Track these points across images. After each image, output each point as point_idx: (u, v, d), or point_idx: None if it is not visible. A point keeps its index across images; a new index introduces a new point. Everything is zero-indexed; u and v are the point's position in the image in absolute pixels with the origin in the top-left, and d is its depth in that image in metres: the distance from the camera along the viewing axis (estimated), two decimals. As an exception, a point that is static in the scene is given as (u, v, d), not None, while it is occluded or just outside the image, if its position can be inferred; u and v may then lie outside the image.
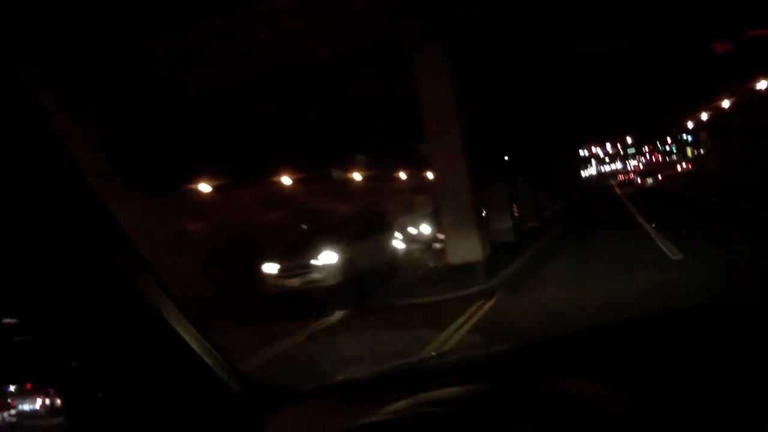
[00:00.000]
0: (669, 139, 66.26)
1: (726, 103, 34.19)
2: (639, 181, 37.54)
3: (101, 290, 1.10)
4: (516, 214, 17.54)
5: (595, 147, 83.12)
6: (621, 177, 68.22)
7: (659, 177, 36.13)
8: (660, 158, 74.07)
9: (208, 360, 1.25)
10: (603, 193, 41.52)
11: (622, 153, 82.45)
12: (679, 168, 59.41)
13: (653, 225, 13.13)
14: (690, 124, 61.39)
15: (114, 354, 1.17)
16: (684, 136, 60.91)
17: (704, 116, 44.23)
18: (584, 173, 73.91)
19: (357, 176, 25.26)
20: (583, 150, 79.77)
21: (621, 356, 1.33)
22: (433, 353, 3.87)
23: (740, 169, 26.42)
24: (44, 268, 1.05)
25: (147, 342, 1.18)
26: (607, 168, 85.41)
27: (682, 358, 1.25)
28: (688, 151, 56.68)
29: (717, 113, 38.32)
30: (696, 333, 1.40)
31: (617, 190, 40.50)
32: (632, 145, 76.98)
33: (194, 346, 1.22)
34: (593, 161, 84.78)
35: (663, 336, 1.42)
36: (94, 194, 1.07)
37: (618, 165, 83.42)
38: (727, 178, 26.51)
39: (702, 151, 48.80)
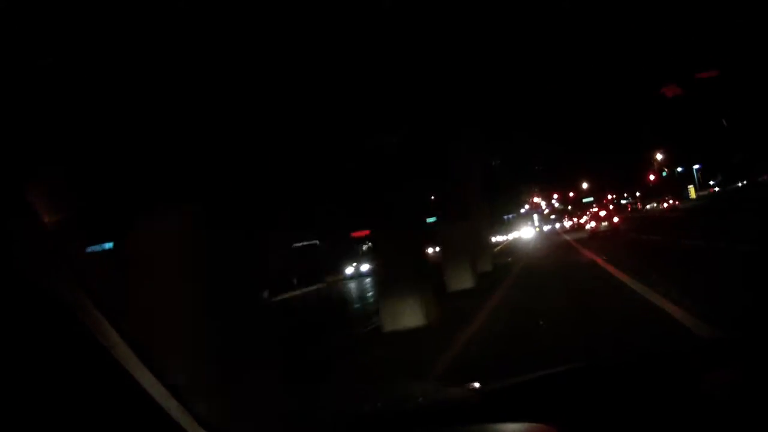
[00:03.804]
0: (652, 177, 50.52)
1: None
2: None
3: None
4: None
5: (539, 198, 67.04)
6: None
7: None
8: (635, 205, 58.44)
9: (163, 404, 1.16)
10: None
11: (570, 206, 66.77)
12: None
13: None
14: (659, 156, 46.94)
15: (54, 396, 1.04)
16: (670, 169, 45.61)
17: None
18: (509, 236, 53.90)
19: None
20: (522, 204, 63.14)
21: (575, 402, 1.42)
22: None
23: None
24: None
25: (95, 385, 1.09)
26: (550, 227, 68.02)
27: (631, 403, 1.34)
28: (691, 190, 41.03)
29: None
30: (645, 379, 1.51)
31: None
32: (587, 193, 61.55)
33: (150, 390, 1.14)
34: (535, 217, 68.02)
35: (615, 384, 1.53)
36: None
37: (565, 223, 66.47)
38: None
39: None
